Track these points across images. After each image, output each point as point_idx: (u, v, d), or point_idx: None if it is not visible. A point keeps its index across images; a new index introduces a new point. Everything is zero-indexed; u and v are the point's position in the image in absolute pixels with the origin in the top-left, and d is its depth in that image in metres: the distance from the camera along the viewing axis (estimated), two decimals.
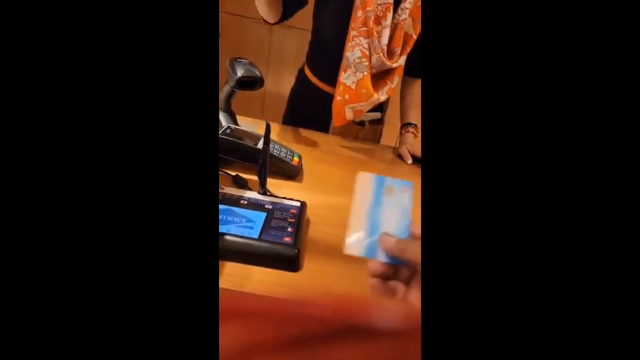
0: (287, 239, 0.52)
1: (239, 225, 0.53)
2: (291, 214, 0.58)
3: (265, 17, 0.90)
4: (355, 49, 0.87)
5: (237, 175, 0.68)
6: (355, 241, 0.33)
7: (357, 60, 0.88)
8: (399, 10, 0.86)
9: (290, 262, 0.51)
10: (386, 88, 0.94)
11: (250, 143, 0.73)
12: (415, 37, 0.90)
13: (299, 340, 0.17)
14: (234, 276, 0.50)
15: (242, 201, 0.58)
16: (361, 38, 0.86)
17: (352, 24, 0.86)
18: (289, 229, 0.54)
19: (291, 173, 0.75)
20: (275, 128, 1.01)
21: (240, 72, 0.75)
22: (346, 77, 0.91)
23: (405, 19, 0.86)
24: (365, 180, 0.37)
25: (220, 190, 0.60)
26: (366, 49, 0.86)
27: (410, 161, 0.98)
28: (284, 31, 1.85)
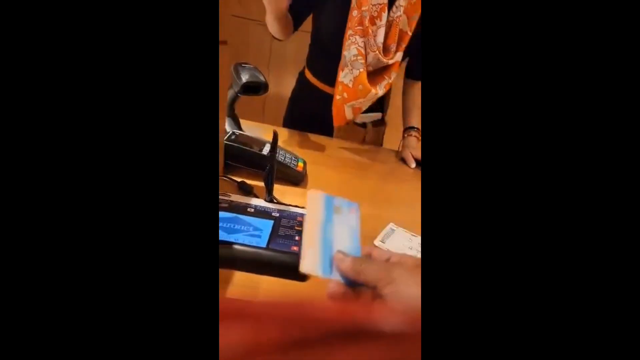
0: (295, 248, 0.52)
1: (247, 234, 0.52)
2: (298, 222, 0.58)
3: (277, 36, 0.93)
4: (351, 47, 0.88)
5: (242, 181, 0.68)
6: (310, 259, 0.33)
7: (353, 58, 0.89)
8: (394, 8, 0.87)
9: (298, 272, 0.51)
10: (383, 83, 0.95)
11: (255, 149, 0.73)
12: (410, 33, 0.91)
13: (301, 343, 0.17)
14: (243, 286, 0.49)
15: (248, 209, 0.58)
16: (357, 37, 0.87)
17: (349, 24, 0.88)
18: (297, 238, 0.54)
19: (296, 179, 0.75)
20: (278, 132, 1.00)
21: (245, 78, 0.75)
22: (344, 76, 0.92)
23: (400, 16, 0.87)
24: (315, 199, 0.38)
25: (226, 197, 0.60)
26: (362, 47, 0.88)
27: (414, 165, 0.98)
28: None
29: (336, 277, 0.32)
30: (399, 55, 0.93)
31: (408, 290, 0.28)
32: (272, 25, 0.88)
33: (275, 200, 0.63)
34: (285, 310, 0.19)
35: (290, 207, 0.61)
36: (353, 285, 0.32)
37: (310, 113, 1.08)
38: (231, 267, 0.50)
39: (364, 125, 1.09)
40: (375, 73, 0.95)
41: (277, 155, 0.72)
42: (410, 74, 1.09)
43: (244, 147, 0.72)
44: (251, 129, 0.90)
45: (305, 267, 0.32)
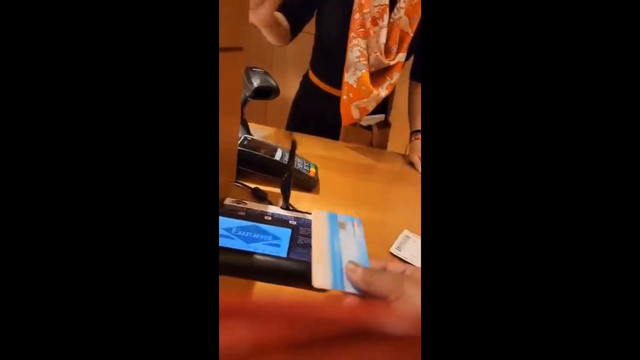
0: None
1: (266, 243, 0.52)
2: None
3: (274, 43, 0.95)
4: (354, 49, 0.90)
5: (256, 188, 0.67)
6: (321, 274, 0.34)
7: (355, 60, 0.91)
8: (395, 10, 0.89)
9: None
10: (386, 84, 0.96)
11: (267, 154, 0.72)
12: (411, 34, 0.92)
13: (309, 342, 0.18)
14: (262, 295, 0.48)
15: (266, 217, 0.57)
16: (359, 39, 0.89)
17: (351, 26, 0.90)
18: None
19: (308, 184, 0.74)
20: (284, 135, 1.00)
21: (256, 82, 0.74)
22: (349, 77, 0.95)
23: (401, 17, 0.89)
24: (319, 217, 0.41)
25: (243, 205, 0.59)
26: (364, 49, 0.90)
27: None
28: None
29: (348, 289, 0.33)
30: (400, 56, 0.94)
31: (418, 303, 0.28)
32: (266, 35, 0.90)
33: (291, 207, 0.62)
34: (296, 310, 0.19)
35: (306, 214, 0.60)
36: (364, 296, 0.33)
37: (313, 115, 1.09)
38: (251, 277, 0.49)
39: (369, 127, 1.09)
40: (378, 74, 0.96)
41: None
42: (415, 76, 1.10)
43: (256, 153, 0.71)
44: (255, 131, 0.89)
45: (316, 282, 0.34)
